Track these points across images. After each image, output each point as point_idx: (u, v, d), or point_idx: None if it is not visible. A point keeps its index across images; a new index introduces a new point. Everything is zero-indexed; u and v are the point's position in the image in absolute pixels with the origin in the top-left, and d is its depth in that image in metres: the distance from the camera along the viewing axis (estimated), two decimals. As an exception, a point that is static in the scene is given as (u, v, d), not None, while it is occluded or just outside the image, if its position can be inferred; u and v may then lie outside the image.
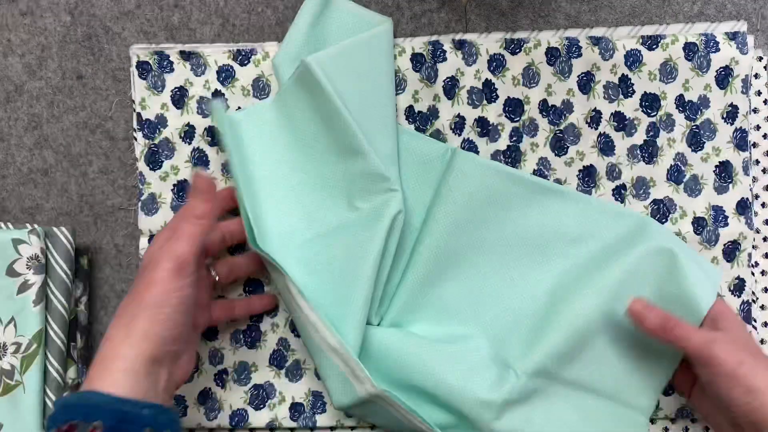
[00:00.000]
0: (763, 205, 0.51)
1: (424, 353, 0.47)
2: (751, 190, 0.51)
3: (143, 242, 0.52)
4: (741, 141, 0.51)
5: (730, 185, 0.51)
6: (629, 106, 0.51)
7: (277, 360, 0.51)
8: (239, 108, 0.52)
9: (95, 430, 0.36)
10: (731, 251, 0.50)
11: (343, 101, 0.47)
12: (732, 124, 0.51)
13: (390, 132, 0.50)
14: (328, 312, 0.47)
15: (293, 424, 0.51)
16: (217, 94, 0.52)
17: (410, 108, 0.52)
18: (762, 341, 0.51)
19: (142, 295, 0.40)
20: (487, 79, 0.51)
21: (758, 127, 0.52)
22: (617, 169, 0.51)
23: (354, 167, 0.48)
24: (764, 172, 0.51)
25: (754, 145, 0.52)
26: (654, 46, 0.51)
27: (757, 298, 0.51)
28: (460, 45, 0.51)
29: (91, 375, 0.39)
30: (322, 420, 0.51)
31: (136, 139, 0.52)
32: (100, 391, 0.37)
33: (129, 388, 0.38)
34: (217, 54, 0.52)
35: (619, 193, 0.51)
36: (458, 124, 0.51)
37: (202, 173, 0.44)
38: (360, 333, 0.47)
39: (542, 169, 0.51)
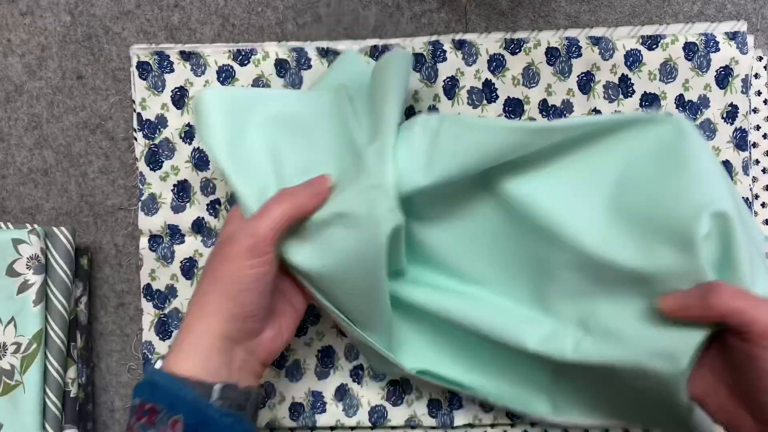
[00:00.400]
0: (763, 205, 0.52)
1: (471, 309, 0.45)
2: (751, 189, 0.51)
3: (143, 242, 0.52)
4: (741, 141, 0.51)
5: None
6: (629, 106, 0.51)
7: (277, 360, 0.51)
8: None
9: (177, 423, 0.36)
10: None
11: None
12: (732, 124, 0.51)
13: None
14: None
15: (293, 424, 0.51)
16: None
17: (410, 108, 0.52)
18: None
19: (215, 271, 0.40)
20: (487, 79, 0.51)
21: (758, 127, 0.52)
22: None
23: (344, 160, 0.44)
24: (764, 172, 0.51)
25: (754, 145, 0.52)
26: (654, 46, 0.51)
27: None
28: (460, 45, 0.51)
29: (170, 351, 0.40)
30: (322, 420, 0.51)
31: (136, 139, 0.52)
32: (187, 378, 0.38)
33: (200, 363, 0.38)
34: (217, 54, 0.52)
35: None
36: None
37: (328, 177, 0.44)
38: (388, 322, 0.45)
39: None
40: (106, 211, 0.54)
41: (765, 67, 0.52)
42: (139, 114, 0.52)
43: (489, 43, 0.51)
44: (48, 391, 0.49)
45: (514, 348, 0.44)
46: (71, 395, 0.50)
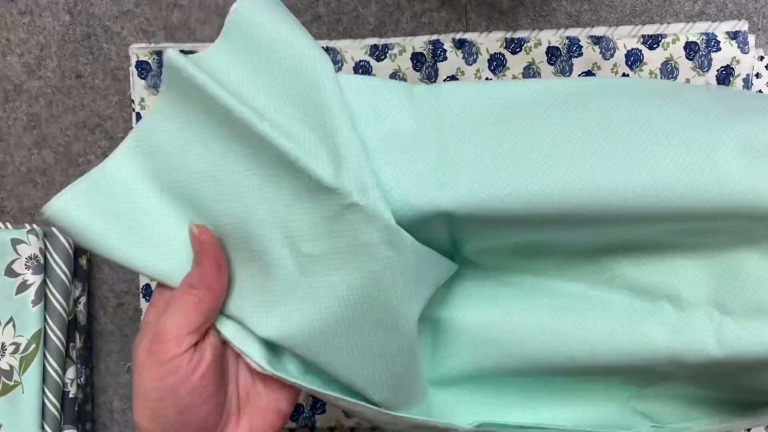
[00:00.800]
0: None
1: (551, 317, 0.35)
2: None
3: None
4: (742, 140, 0.50)
5: None
6: None
7: None
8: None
9: None
10: None
11: (237, 95, 0.32)
12: (733, 123, 0.51)
13: (321, 107, 0.32)
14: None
15: (293, 425, 0.51)
16: None
17: None
18: None
19: (134, 375, 0.32)
20: (487, 78, 0.51)
21: (759, 127, 0.52)
22: None
23: (283, 188, 0.32)
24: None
25: (756, 144, 0.52)
26: (655, 46, 0.50)
27: None
28: (460, 44, 0.51)
29: None
30: (321, 420, 0.51)
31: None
32: None
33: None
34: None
35: None
36: None
37: (200, 227, 0.34)
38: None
39: None
40: (105, 211, 0.54)
41: (766, 67, 0.52)
42: (138, 114, 0.52)
43: (489, 42, 0.51)
44: (47, 391, 0.49)
45: (603, 362, 0.34)
46: (70, 396, 0.50)
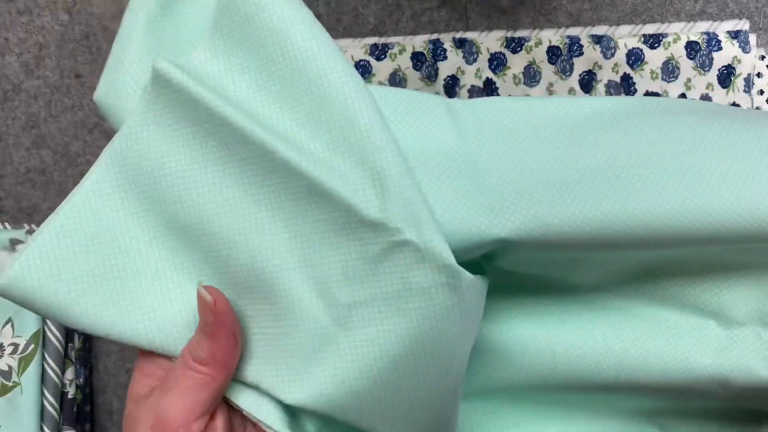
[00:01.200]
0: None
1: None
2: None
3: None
4: (743, 140, 0.50)
5: None
6: None
7: None
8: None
9: None
10: None
11: (237, 105, 0.27)
12: (734, 123, 0.50)
13: (356, 109, 0.27)
14: None
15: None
16: None
17: None
18: None
19: None
20: (487, 77, 0.51)
21: (760, 127, 0.52)
22: None
23: (306, 224, 0.27)
24: None
25: (757, 144, 0.52)
26: (656, 45, 0.50)
27: None
28: (460, 43, 0.51)
29: None
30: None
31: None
32: None
33: None
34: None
35: None
36: None
37: (210, 290, 0.27)
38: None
39: None
40: (104, 211, 0.54)
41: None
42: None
43: (490, 41, 0.51)
44: (46, 392, 0.49)
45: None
46: (69, 396, 0.50)
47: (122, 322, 0.28)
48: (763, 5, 0.52)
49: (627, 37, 0.51)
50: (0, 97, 0.54)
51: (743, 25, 0.51)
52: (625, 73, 0.50)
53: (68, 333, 0.51)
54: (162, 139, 0.28)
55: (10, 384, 0.49)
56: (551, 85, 0.51)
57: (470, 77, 0.51)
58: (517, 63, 0.51)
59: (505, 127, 0.30)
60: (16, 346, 0.49)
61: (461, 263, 0.27)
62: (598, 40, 0.50)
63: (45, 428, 0.49)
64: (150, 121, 0.28)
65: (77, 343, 0.51)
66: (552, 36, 0.51)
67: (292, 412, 0.29)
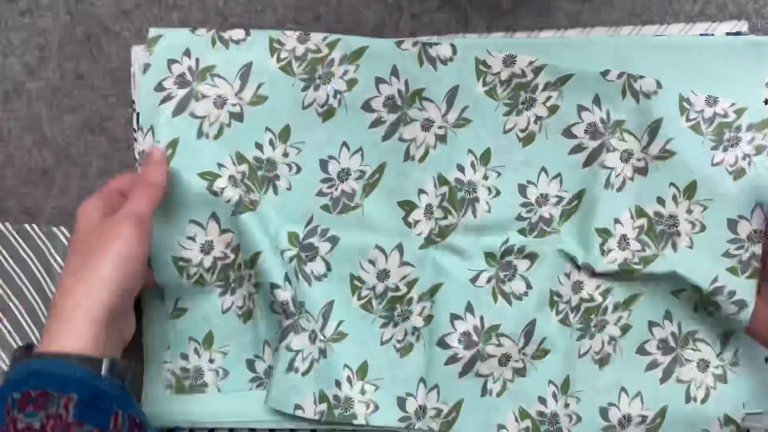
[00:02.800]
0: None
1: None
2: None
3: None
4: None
5: None
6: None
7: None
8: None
9: (69, 401, 0.36)
10: None
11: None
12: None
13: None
14: None
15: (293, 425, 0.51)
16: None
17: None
18: None
19: (103, 249, 0.41)
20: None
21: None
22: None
23: None
24: None
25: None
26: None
27: None
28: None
29: (52, 328, 0.39)
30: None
31: (136, 140, 0.52)
32: (69, 354, 0.38)
33: (92, 340, 0.39)
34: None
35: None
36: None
37: (156, 146, 0.48)
38: None
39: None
40: (106, 211, 0.54)
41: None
42: (138, 114, 0.52)
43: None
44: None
45: None
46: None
47: None
48: (761, 6, 0.52)
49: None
50: (2, 98, 0.54)
51: (742, 26, 0.51)
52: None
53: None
54: None
55: None
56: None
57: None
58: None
59: None
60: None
61: None
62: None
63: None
64: None
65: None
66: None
67: None
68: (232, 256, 0.50)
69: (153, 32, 0.50)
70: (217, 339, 0.51)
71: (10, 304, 0.51)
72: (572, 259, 0.51)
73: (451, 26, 0.53)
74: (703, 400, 0.50)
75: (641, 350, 0.51)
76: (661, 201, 0.50)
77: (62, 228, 0.51)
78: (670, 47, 0.50)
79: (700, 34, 0.51)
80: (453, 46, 0.50)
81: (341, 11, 0.53)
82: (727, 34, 0.51)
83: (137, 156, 0.52)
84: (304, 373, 0.50)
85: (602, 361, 0.51)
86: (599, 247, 0.50)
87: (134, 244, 0.42)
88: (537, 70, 0.50)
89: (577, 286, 0.51)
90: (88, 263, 0.40)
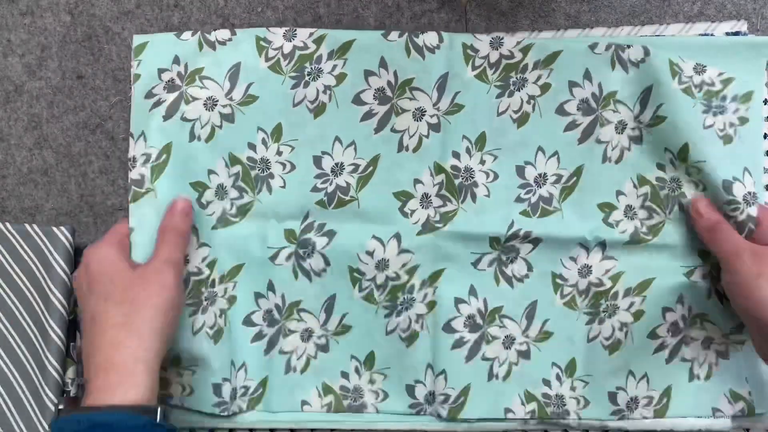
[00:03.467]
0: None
1: None
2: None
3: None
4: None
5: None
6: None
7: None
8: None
9: None
10: None
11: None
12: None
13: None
14: None
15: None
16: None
17: None
18: None
19: (151, 299, 0.42)
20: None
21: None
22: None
23: None
24: (764, 172, 0.51)
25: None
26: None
27: None
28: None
29: (111, 380, 0.40)
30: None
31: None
32: (133, 405, 0.39)
33: (150, 390, 0.41)
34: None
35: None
36: None
37: (182, 197, 0.49)
38: None
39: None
40: (106, 211, 0.54)
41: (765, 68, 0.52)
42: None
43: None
44: (47, 390, 0.49)
45: None
46: (71, 395, 0.50)
47: None
48: (760, 6, 0.52)
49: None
50: (2, 98, 0.54)
51: (741, 26, 0.51)
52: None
53: (69, 332, 0.51)
54: None
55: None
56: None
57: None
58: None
59: None
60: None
61: None
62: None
63: (45, 426, 0.49)
64: None
65: (79, 341, 0.51)
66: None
67: None
68: (207, 272, 0.50)
69: (137, 40, 0.50)
70: (184, 360, 0.49)
71: (10, 304, 0.51)
72: (581, 243, 0.51)
73: (450, 26, 0.53)
74: (707, 377, 0.50)
75: (652, 334, 0.51)
76: (660, 166, 0.50)
77: (62, 228, 0.51)
78: (669, 47, 0.50)
79: (700, 35, 0.51)
80: (439, 34, 0.50)
81: (341, 11, 0.53)
82: (727, 34, 0.51)
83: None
84: (302, 371, 0.51)
85: (612, 347, 0.51)
86: (603, 222, 0.50)
87: (178, 292, 0.44)
88: (525, 50, 0.50)
89: (586, 270, 0.51)
90: (138, 314, 0.42)
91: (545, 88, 0.50)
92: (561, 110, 0.51)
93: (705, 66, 0.49)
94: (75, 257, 0.51)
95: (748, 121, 0.49)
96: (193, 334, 0.49)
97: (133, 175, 0.49)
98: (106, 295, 0.43)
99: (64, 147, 0.54)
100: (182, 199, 0.49)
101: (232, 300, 0.51)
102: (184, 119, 0.50)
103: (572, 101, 0.50)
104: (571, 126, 0.51)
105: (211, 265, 0.50)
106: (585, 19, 0.52)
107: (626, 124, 0.50)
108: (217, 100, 0.50)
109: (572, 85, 0.50)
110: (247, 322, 0.51)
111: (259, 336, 0.51)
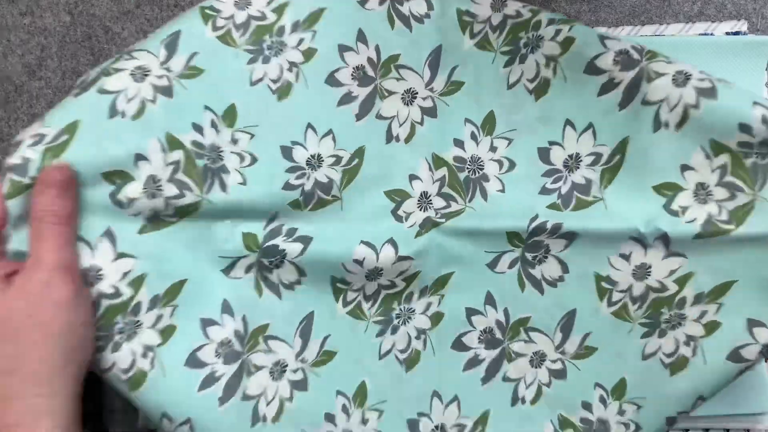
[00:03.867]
0: None
1: None
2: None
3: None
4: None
5: None
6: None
7: None
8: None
9: None
10: None
11: None
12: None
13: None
14: None
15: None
16: None
17: None
18: None
19: (41, 328, 0.31)
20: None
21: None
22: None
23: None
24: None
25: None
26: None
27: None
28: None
29: None
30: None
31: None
32: None
33: None
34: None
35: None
36: None
37: (52, 167, 0.34)
38: None
39: None
40: (105, 211, 0.54)
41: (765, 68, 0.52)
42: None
43: None
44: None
45: None
46: (71, 395, 0.50)
47: None
48: (761, 6, 0.52)
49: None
50: (2, 98, 0.54)
51: (741, 26, 0.51)
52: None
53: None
54: None
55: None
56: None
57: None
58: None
59: None
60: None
61: None
62: None
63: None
64: None
65: None
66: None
67: None
68: (128, 293, 0.37)
69: None
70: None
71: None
72: (634, 236, 0.39)
73: (450, 26, 0.53)
74: None
75: (734, 356, 0.39)
76: (744, 128, 0.37)
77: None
78: (669, 47, 0.49)
79: (700, 34, 0.51)
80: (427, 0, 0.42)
81: (341, 11, 0.53)
82: (727, 33, 0.51)
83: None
84: (274, 419, 0.39)
85: (675, 367, 0.40)
86: (664, 209, 0.39)
87: (78, 305, 0.32)
88: (535, 10, 0.41)
89: (643, 271, 0.40)
90: (27, 354, 0.30)
91: (567, 43, 0.40)
92: (592, 68, 0.40)
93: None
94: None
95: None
96: (99, 378, 0.37)
97: (13, 159, 0.35)
98: None
99: (63, 147, 0.54)
100: (55, 167, 0.34)
101: (168, 332, 0.38)
102: (102, 91, 0.37)
103: (606, 54, 0.39)
104: (609, 87, 0.40)
105: (136, 283, 0.37)
106: (585, 19, 0.52)
107: (690, 76, 0.38)
108: (149, 70, 0.38)
109: (603, 38, 0.39)
110: (193, 361, 0.38)
111: (210, 380, 0.38)
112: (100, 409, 0.55)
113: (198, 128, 0.39)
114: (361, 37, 0.41)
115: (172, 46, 0.39)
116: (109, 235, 0.36)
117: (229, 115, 0.40)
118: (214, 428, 0.38)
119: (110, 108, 0.37)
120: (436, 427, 0.41)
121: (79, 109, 0.36)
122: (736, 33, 0.51)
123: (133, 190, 0.36)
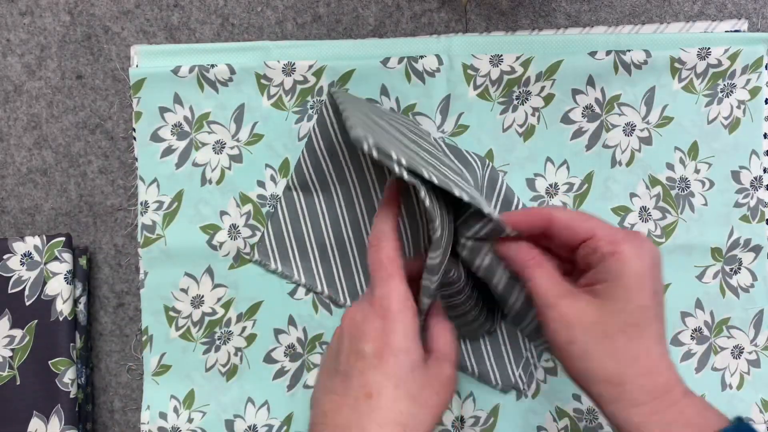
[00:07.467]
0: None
1: None
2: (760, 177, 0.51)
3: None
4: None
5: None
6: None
7: None
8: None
9: None
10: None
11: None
12: (733, 123, 0.51)
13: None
14: None
15: None
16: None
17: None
18: None
19: (431, 406, 0.36)
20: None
21: (759, 127, 0.52)
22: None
23: None
24: (765, 171, 0.51)
25: (755, 144, 0.52)
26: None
27: None
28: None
29: None
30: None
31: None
32: None
33: None
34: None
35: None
36: None
37: (383, 257, 0.38)
38: None
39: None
40: (105, 211, 0.54)
41: (765, 66, 0.52)
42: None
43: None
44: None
45: None
46: (71, 396, 0.50)
47: None
48: (761, 6, 0.52)
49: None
50: (2, 98, 0.54)
51: (741, 25, 0.51)
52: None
53: (69, 332, 0.51)
54: None
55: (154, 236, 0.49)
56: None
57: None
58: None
59: None
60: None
61: None
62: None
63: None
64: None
65: (79, 342, 0.51)
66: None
67: None
68: (221, 312, 0.52)
69: (134, 76, 0.51)
70: (198, 397, 0.52)
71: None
72: None
73: (450, 26, 0.53)
74: (739, 386, 0.51)
75: (675, 341, 0.51)
76: (670, 166, 0.51)
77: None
78: (669, 47, 0.50)
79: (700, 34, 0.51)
80: (438, 56, 0.51)
81: (341, 11, 0.53)
82: (727, 32, 0.51)
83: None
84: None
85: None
86: (619, 226, 0.51)
87: (417, 360, 0.37)
88: (526, 64, 0.50)
89: None
90: (420, 417, 0.36)
91: (549, 98, 0.51)
92: (566, 119, 0.51)
93: (709, 48, 0.50)
94: (74, 257, 0.51)
95: (760, 90, 0.50)
96: (206, 371, 0.52)
97: (145, 220, 0.51)
98: (369, 373, 0.36)
99: (63, 147, 0.54)
100: (384, 259, 0.38)
101: (251, 338, 0.52)
102: (195, 165, 0.51)
103: (576, 109, 0.51)
104: (578, 133, 0.51)
105: (227, 305, 0.52)
106: (585, 18, 0.52)
107: (635, 126, 0.51)
108: (225, 143, 0.51)
109: (575, 92, 0.51)
110: (268, 359, 0.52)
111: (281, 372, 0.52)
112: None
113: (261, 184, 0.52)
114: (384, 90, 0.51)
115: (239, 119, 0.52)
116: (209, 271, 0.52)
117: (284, 168, 0.52)
118: (283, 410, 0.52)
119: (201, 178, 0.52)
120: (456, 418, 0.51)
121: (182, 180, 0.52)
122: (736, 32, 0.50)
123: (221, 235, 0.52)
